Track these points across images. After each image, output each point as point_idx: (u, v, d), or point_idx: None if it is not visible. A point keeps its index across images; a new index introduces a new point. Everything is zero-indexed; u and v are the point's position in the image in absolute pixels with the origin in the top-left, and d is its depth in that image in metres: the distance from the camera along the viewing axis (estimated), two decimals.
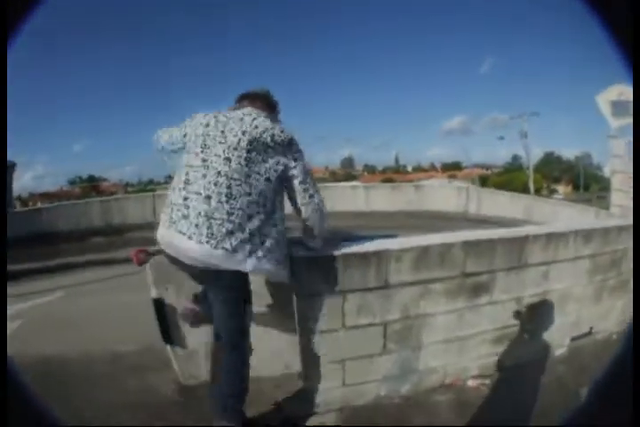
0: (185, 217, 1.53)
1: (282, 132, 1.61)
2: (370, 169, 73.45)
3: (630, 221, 2.52)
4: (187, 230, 1.51)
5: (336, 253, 1.78)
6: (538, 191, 31.19)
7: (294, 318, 1.85)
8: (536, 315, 2.19)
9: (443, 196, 11.50)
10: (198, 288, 1.99)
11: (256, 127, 1.58)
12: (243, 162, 1.54)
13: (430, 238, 1.91)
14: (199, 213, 1.51)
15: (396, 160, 77.09)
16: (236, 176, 1.53)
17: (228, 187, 1.52)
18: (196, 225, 1.50)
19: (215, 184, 1.52)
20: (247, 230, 1.52)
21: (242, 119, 1.62)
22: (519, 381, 2.10)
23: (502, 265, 1.98)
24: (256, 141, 1.56)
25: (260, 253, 1.54)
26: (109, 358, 2.70)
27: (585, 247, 2.24)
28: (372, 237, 1.95)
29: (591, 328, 2.60)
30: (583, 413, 1.01)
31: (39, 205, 27.86)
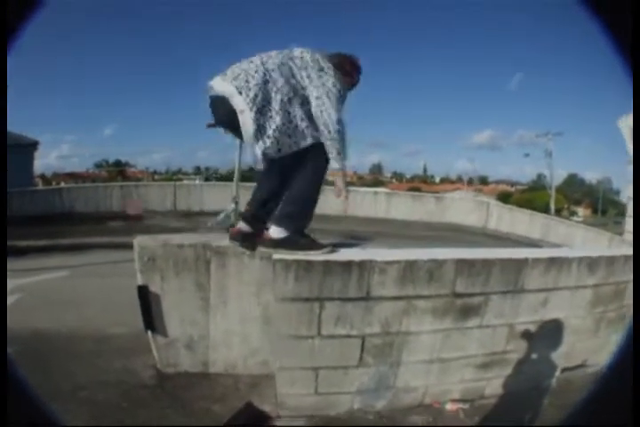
0: None
1: None
2: (398, 176, 72.90)
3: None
4: None
5: (318, 258, 1.74)
6: (558, 212, 30.99)
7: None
8: (528, 343, 2.08)
9: (463, 209, 11.37)
10: None
11: None
12: None
13: (420, 253, 1.82)
14: None
15: (425, 170, 75.93)
16: None
17: None
18: None
19: None
20: None
21: None
22: (500, 410, 2.01)
23: (497, 288, 1.87)
24: None
25: None
26: (97, 338, 2.75)
27: (589, 276, 2.10)
28: (362, 245, 1.89)
29: (584, 361, 2.46)
30: (583, 413, 1.00)
31: (62, 184, 28.66)
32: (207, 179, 40.37)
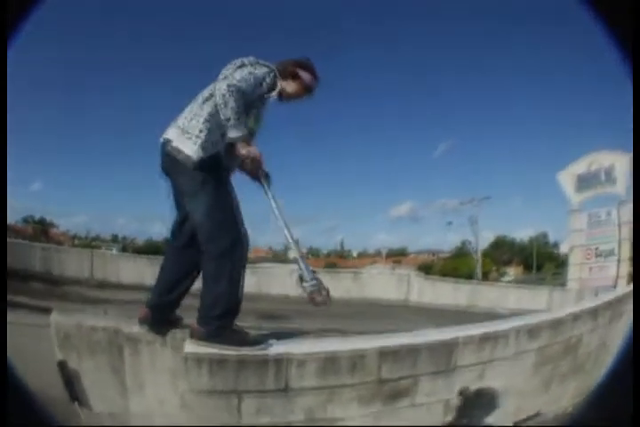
0: None
1: None
2: (314, 252, 67.54)
3: (586, 306, 2.33)
4: None
5: (231, 353, 1.60)
6: (486, 275, 31.00)
7: None
8: (468, 413, 1.99)
9: (382, 283, 10.80)
10: None
11: None
12: None
13: (341, 343, 1.70)
14: None
15: (342, 245, 71.02)
16: None
17: None
18: None
19: None
20: None
21: None
22: None
23: (426, 370, 1.77)
24: None
25: None
26: None
27: (530, 342, 2.02)
28: (279, 335, 1.77)
29: (538, 412, 2.41)
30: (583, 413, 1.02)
31: None
32: (124, 249, 39.46)
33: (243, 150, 1.72)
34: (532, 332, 2.01)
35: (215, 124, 1.74)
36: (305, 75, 1.99)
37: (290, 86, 1.97)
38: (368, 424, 1.82)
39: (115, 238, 53.09)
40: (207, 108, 1.77)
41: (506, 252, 53.25)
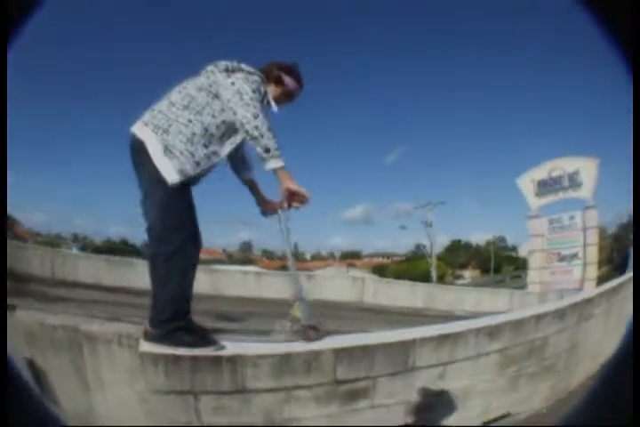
0: None
1: None
2: (268, 254, 68.16)
3: (550, 307, 2.34)
4: None
5: (185, 353, 1.61)
6: (441, 278, 31.15)
7: None
8: (432, 414, 2.00)
9: (336, 285, 10.86)
10: None
11: None
12: None
13: (294, 345, 1.70)
14: None
15: (296, 247, 73.38)
16: None
17: None
18: None
19: None
20: None
21: None
22: None
23: (383, 371, 1.78)
24: None
25: None
26: None
27: (491, 344, 2.03)
28: (234, 336, 1.78)
29: (508, 412, 2.42)
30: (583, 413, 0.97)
31: None
32: (83, 248, 39.73)
33: (293, 186, 1.69)
34: (493, 333, 2.01)
35: (200, 144, 1.66)
36: (289, 80, 1.92)
37: (272, 91, 1.88)
38: (328, 425, 1.83)
39: (74, 238, 52.74)
40: (195, 127, 1.65)
41: (462, 255, 53.89)
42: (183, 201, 1.67)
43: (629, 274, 3.61)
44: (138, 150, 1.68)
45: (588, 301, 2.65)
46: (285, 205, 1.82)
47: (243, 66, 1.78)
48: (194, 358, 1.61)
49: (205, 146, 1.67)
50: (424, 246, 29.62)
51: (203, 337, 1.68)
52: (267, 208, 2.03)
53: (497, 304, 10.06)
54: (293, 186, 1.69)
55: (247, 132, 1.60)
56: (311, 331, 1.80)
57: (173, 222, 1.62)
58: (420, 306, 10.11)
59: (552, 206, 15.57)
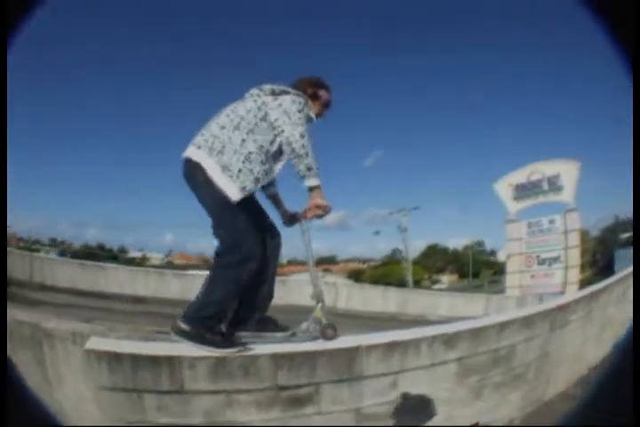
0: None
1: None
2: None
3: (517, 315, 2.24)
4: None
5: (125, 351, 1.65)
6: (418, 283, 30.50)
7: None
8: (387, 422, 1.96)
9: (309, 290, 10.68)
10: None
11: None
12: None
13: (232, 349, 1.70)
14: None
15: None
16: None
17: None
18: None
19: None
20: None
21: None
22: None
23: (327, 378, 1.75)
24: None
25: None
26: None
27: (447, 352, 1.96)
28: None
29: (477, 422, 2.34)
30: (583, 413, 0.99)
31: None
32: (62, 253, 39.93)
33: (321, 201, 1.81)
34: (450, 341, 1.95)
35: (257, 162, 1.77)
36: (323, 93, 2.07)
37: (314, 109, 2.02)
38: None
39: (53, 243, 53.20)
40: (250, 145, 1.76)
41: (439, 260, 53.12)
42: (244, 213, 1.79)
43: (610, 279, 3.42)
44: (194, 173, 1.78)
45: (562, 308, 2.52)
46: (309, 215, 1.95)
47: (288, 88, 1.92)
48: (134, 357, 1.64)
49: (263, 163, 1.79)
50: (400, 251, 29.47)
51: (228, 339, 1.76)
52: (291, 219, 2.13)
53: (472, 309, 9.90)
54: (323, 202, 1.82)
55: (294, 150, 1.73)
56: (329, 330, 1.91)
57: (242, 238, 1.76)
58: (394, 311, 10.03)
59: (531, 210, 15.29)
